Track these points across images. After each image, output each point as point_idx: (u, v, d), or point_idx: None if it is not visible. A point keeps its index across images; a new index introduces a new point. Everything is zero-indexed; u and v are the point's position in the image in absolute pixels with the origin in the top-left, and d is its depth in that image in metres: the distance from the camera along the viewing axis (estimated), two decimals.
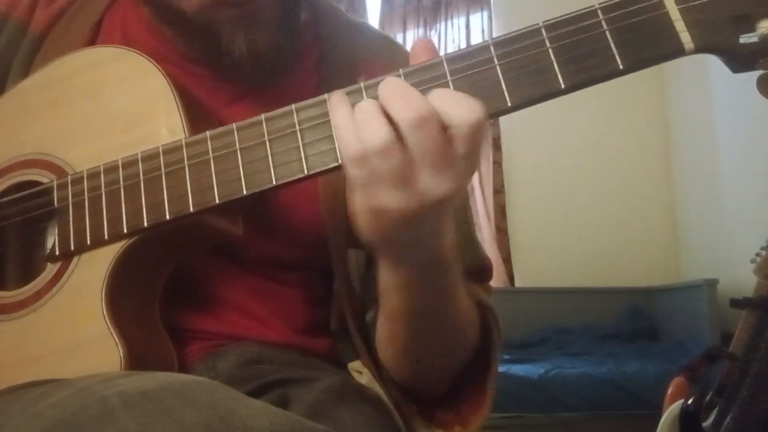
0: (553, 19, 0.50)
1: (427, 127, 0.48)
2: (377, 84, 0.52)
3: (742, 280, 2.25)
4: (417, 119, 0.48)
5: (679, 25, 0.48)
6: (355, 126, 0.50)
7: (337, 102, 0.52)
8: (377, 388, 0.69)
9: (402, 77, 0.52)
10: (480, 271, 0.76)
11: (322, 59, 0.74)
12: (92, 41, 0.73)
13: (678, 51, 0.48)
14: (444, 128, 0.48)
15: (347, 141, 0.50)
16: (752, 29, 0.47)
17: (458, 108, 0.48)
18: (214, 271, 0.68)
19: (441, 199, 0.49)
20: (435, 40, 4.32)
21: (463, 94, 0.49)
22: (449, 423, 0.70)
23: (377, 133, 0.48)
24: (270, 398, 0.59)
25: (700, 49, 0.48)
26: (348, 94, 0.53)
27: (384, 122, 0.49)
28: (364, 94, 0.53)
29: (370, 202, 0.51)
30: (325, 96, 0.53)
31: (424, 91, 0.50)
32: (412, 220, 0.51)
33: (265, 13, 0.65)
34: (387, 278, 0.59)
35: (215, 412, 0.41)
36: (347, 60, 0.73)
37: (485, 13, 4.29)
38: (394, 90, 0.50)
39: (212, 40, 0.65)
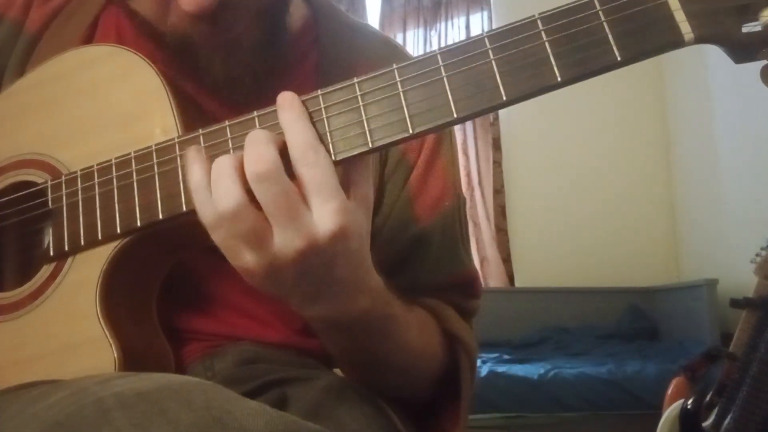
0: (549, 10, 0.49)
1: (268, 183, 0.47)
2: (371, 79, 0.52)
3: (742, 280, 2.25)
4: (258, 177, 0.47)
5: (679, 15, 0.46)
6: (209, 189, 0.50)
7: (192, 159, 0.52)
8: None
9: (395, 71, 0.52)
10: (463, 284, 0.76)
11: (321, 61, 0.73)
12: (88, 41, 0.73)
13: (678, 41, 0.47)
14: (291, 182, 0.48)
15: (201, 207, 0.50)
16: (755, 18, 0.45)
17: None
18: (211, 271, 0.68)
19: (295, 257, 0.48)
20: (435, 40, 4.32)
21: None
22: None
23: (228, 194, 0.48)
24: (268, 398, 0.59)
25: (700, 40, 0.47)
26: (341, 89, 0.53)
27: (235, 181, 0.48)
28: (357, 90, 0.52)
29: (234, 263, 0.51)
30: (318, 92, 0.53)
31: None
32: (277, 281, 0.50)
33: (244, 39, 0.64)
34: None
35: (211, 413, 0.41)
36: (346, 62, 0.73)
37: (485, 13, 4.29)
38: (247, 142, 0.49)
39: (190, 60, 0.64)
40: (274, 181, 0.48)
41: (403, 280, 0.67)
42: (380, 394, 0.65)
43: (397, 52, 0.81)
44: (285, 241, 0.48)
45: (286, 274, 0.50)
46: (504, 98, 0.49)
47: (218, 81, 0.64)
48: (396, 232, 0.71)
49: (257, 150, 0.49)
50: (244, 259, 0.50)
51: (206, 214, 0.50)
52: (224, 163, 0.50)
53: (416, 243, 0.72)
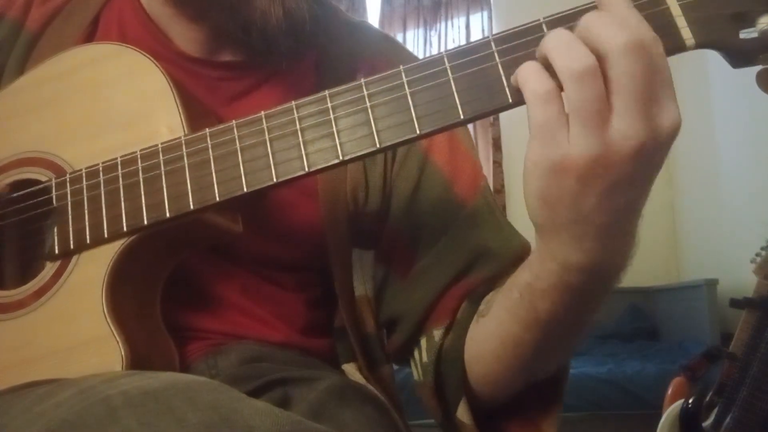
0: (553, 15, 0.50)
1: (641, 52, 0.44)
2: (378, 80, 0.52)
3: (742, 280, 2.25)
4: (634, 45, 0.44)
5: (680, 21, 0.48)
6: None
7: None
8: (372, 389, 0.69)
9: (402, 73, 0.52)
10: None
11: (321, 58, 0.73)
12: (88, 39, 0.73)
13: (679, 47, 0.48)
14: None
15: (530, 78, 0.46)
16: (752, 25, 0.47)
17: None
18: (213, 270, 0.68)
19: (632, 151, 0.44)
20: (435, 40, 4.32)
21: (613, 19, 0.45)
22: None
23: (579, 56, 0.44)
24: (271, 397, 0.59)
25: (700, 45, 0.48)
26: (348, 90, 0.53)
27: (586, 50, 0.44)
28: (365, 90, 0.52)
29: (552, 153, 0.46)
30: (325, 93, 0.53)
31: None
32: (592, 179, 0.45)
33: None
34: (543, 277, 0.53)
35: (218, 412, 0.41)
36: (346, 58, 0.73)
37: (485, 13, 4.29)
38: (597, 21, 0.45)
39: (245, 11, 0.64)
40: (644, 53, 0.44)
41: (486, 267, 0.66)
42: (531, 373, 0.61)
43: (397, 47, 0.81)
44: (630, 128, 0.44)
45: (600, 174, 0.45)
46: (510, 100, 0.50)
47: (280, 23, 0.64)
48: (445, 218, 0.69)
49: (612, 26, 0.45)
50: (565, 144, 0.45)
51: (539, 85, 0.46)
52: (565, 34, 0.46)
53: (471, 223, 0.70)
